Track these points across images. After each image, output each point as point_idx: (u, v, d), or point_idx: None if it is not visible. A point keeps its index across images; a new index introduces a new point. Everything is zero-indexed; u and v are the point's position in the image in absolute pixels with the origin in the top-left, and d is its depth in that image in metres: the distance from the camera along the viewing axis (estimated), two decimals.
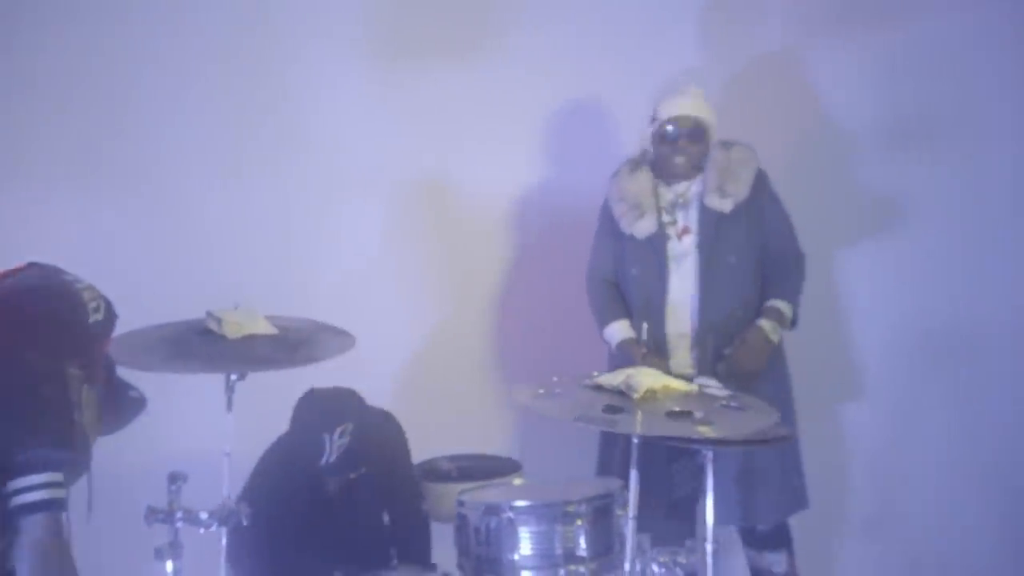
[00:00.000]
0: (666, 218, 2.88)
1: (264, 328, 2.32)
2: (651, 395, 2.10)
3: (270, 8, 3.33)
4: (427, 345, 3.36)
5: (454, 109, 3.33)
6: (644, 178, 2.91)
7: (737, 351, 2.81)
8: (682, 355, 2.82)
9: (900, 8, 3.28)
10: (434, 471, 2.85)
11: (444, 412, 3.17)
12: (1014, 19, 3.26)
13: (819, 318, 3.09)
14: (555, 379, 2.26)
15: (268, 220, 3.34)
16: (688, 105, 2.88)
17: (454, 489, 2.55)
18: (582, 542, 2.28)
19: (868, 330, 3.26)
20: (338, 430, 2.42)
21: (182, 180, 3.30)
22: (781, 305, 2.86)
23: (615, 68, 3.32)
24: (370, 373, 3.08)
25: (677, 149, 2.86)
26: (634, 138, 3.09)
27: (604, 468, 2.90)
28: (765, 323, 2.83)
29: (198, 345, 2.28)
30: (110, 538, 2.10)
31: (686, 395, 2.16)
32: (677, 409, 2.09)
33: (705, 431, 2.05)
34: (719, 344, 2.81)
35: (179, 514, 2.16)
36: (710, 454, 2.33)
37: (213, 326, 2.30)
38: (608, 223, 2.96)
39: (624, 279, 2.93)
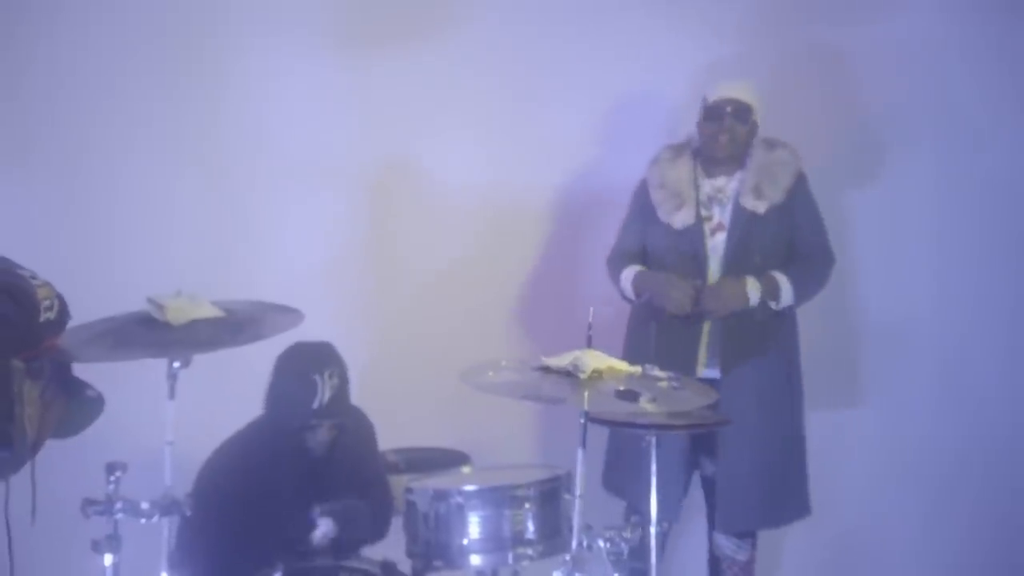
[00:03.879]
0: (703, 212, 2.87)
1: (209, 312, 2.28)
2: (597, 375, 2.14)
3: None
4: (384, 339, 3.34)
5: (413, 96, 3.31)
6: (685, 167, 2.90)
7: (708, 288, 2.80)
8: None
9: (825, 24, 3.35)
10: None
11: (398, 407, 3.14)
12: (936, 34, 3.35)
13: None
14: (504, 362, 2.29)
15: (218, 211, 3.29)
16: (738, 87, 2.90)
17: (402, 480, 2.55)
18: (530, 525, 2.30)
19: (801, 327, 3.33)
20: (327, 371, 2.45)
21: (123, 170, 3.23)
22: (777, 275, 2.84)
23: (586, 54, 3.31)
24: None
25: (723, 127, 2.85)
26: (601, 130, 3.13)
27: (610, 481, 2.91)
28: (751, 279, 2.81)
29: (140, 333, 2.23)
30: (45, 530, 2.05)
31: (630, 376, 2.20)
32: (623, 388, 2.13)
33: (650, 408, 2.09)
34: (735, 342, 2.79)
35: (118, 505, 2.10)
36: (653, 439, 2.38)
37: (156, 313, 2.26)
38: (643, 207, 2.94)
39: (658, 268, 2.90)
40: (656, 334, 2.79)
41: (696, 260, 2.86)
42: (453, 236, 3.41)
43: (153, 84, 3.24)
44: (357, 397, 2.73)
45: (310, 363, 2.48)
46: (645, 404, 2.08)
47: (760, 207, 2.85)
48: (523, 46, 3.35)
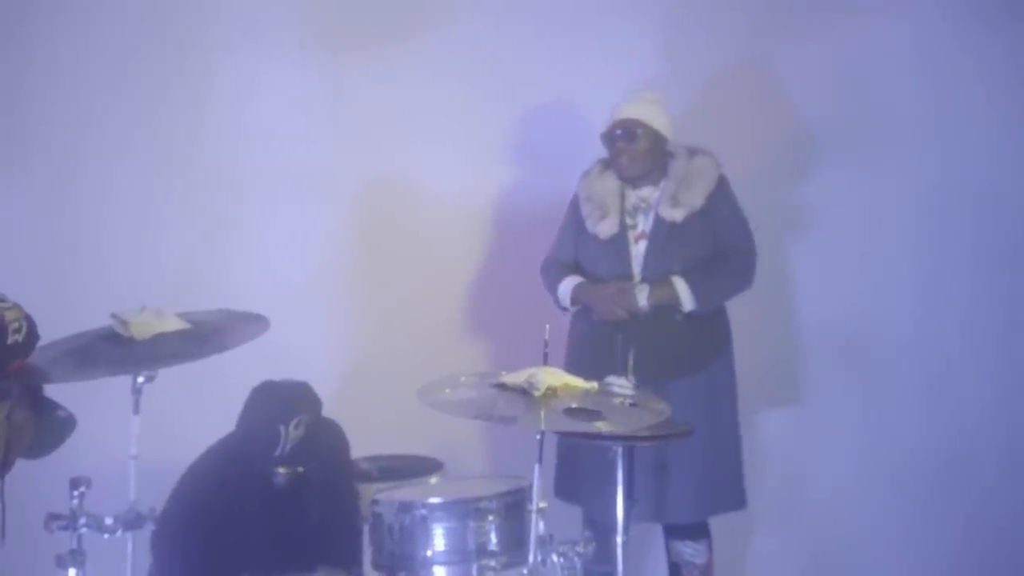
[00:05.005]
0: (628, 221, 2.94)
1: (174, 325, 2.29)
2: (551, 392, 2.14)
3: None
4: (359, 347, 3.35)
5: (394, 104, 3.31)
6: (612, 179, 2.97)
7: (594, 291, 2.86)
8: None
9: (805, 21, 3.34)
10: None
11: (376, 413, 3.16)
12: (916, 32, 3.33)
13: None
14: (463, 378, 2.29)
15: (200, 216, 3.30)
16: (626, 108, 2.96)
17: (371, 490, 2.54)
18: (493, 537, 2.31)
19: (776, 331, 3.33)
20: (293, 421, 2.41)
21: (110, 175, 3.24)
22: (675, 279, 2.88)
23: (566, 61, 3.32)
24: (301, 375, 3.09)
25: (617, 150, 2.94)
26: (580, 133, 3.11)
27: (563, 488, 2.93)
28: (641, 284, 2.87)
29: (105, 350, 2.24)
30: (9, 545, 2.08)
31: (585, 393, 2.21)
32: (575, 406, 2.13)
33: (601, 427, 2.10)
34: (651, 347, 2.80)
35: (82, 520, 2.13)
36: (620, 449, 2.38)
37: (120, 329, 2.27)
38: (574, 218, 3.02)
39: (588, 277, 2.97)
40: (622, 343, 2.80)
41: (621, 268, 2.92)
42: (436, 242, 3.42)
43: (141, 89, 3.27)
44: (336, 404, 2.76)
45: (277, 411, 2.43)
46: (599, 424, 2.09)
47: (678, 215, 2.91)
48: (504, 51, 3.34)
